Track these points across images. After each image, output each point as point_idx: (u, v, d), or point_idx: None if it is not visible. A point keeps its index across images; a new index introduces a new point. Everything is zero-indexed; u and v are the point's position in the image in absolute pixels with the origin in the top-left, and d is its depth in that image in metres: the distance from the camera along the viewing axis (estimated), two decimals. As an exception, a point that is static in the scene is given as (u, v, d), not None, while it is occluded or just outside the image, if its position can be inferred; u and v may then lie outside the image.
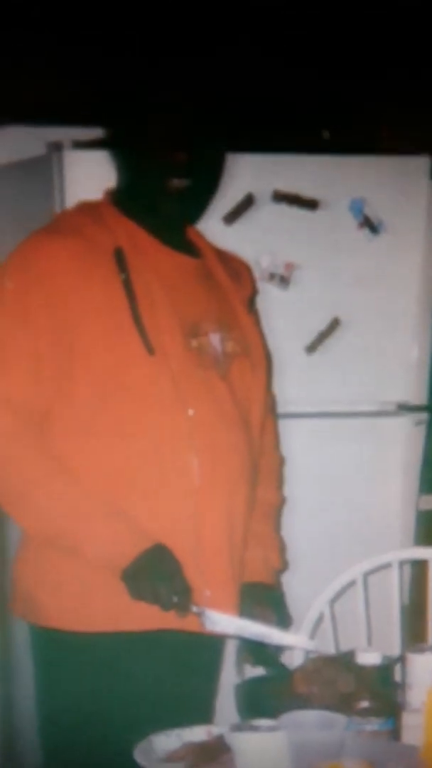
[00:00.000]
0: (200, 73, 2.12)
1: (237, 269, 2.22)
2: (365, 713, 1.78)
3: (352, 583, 2.38)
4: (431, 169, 3.01)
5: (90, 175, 2.25)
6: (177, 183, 2.02)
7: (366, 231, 2.95)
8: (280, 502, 2.23)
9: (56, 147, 2.79)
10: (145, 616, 1.92)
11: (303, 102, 3.40)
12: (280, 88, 3.37)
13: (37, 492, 1.96)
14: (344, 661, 1.88)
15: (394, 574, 2.41)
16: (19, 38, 3.12)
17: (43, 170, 2.83)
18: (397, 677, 1.94)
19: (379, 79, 3.44)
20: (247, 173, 2.79)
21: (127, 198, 2.07)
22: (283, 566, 2.18)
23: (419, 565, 2.81)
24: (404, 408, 3.00)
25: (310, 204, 2.90)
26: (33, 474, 1.96)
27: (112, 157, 2.09)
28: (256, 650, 1.99)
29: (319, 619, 2.34)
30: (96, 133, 2.23)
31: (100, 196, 2.12)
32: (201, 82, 2.10)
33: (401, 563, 2.43)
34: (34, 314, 1.96)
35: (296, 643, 2.04)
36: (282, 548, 2.18)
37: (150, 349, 1.97)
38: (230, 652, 2.11)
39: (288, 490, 2.28)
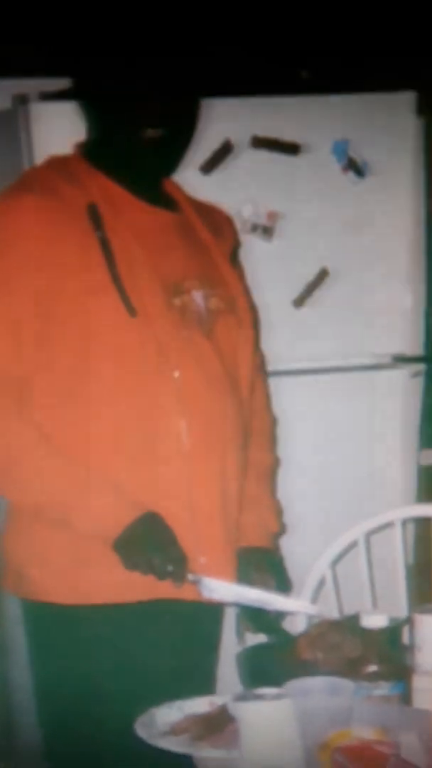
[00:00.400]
0: (171, 16, 2.11)
1: (217, 221, 2.22)
2: (373, 678, 1.79)
3: (353, 544, 2.40)
4: (417, 105, 3.00)
5: (59, 128, 2.25)
6: (151, 133, 2.02)
7: (351, 174, 2.95)
8: (274, 464, 2.25)
9: (22, 100, 2.78)
10: (140, 587, 1.94)
11: (279, 40, 3.38)
12: (254, 26, 3.35)
13: (21, 463, 1.97)
14: (349, 624, 1.90)
15: (397, 532, 2.42)
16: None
17: (8, 125, 2.82)
18: (405, 639, 1.98)
19: (358, 11, 3.42)
20: (223, 119, 2.78)
21: (99, 151, 2.07)
22: (281, 529, 2.20)
23: (423, 523, 2.84)
24: (400, 360, 3.02)
25: (291, 148, 2.90)
26: (16, 444, 1.97)
27: (81, 109, 2.08)
28: (256, 617, 2.02)
29: (321, 583, 2.36)
30: (63, 84, 2.22)
31: (70, 151, 2.11)
32: (172, 26, 2.09)
33: (404, 521, 2.45)
34: (7, 279, 1.97)
35: (298, 608, 2.07)
36: (279, 511, 2.20)
37: (131, 311, 1.98)
38: (230, 620, 2.14)
39: (282, 451, 2.30)
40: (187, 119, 2.08)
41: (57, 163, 2.11)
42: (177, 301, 2.04)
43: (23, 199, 2.01)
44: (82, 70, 2.09)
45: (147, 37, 2.04)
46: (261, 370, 2.25)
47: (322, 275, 2.93)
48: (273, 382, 2.32)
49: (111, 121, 2.04)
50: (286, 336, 2.86)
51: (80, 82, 2.10)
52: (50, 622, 2.03)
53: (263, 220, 2.88)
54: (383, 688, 1.79)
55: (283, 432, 2.32)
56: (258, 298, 2.28)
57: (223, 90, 2.66)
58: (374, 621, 1.86)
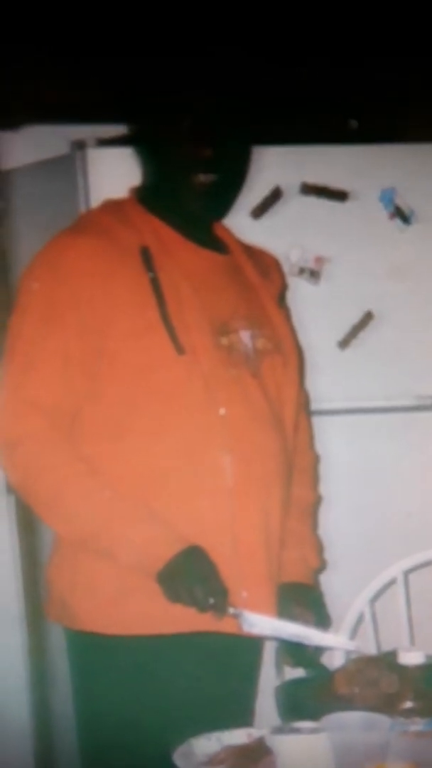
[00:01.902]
0: (224, 66, 2.13)
1: (266, 264, 2.23)
2: (409, 713, 1.78)
3: (392, 582, 2.39)
4: (463, 154, 3.00)
5: (114, 173, 2.27)
6: (203, 179, 2.04)
7: (397, 221, 2.95)
8: (317, 501, 2.24)
9: (79, 145, 2.81)
10: (181, 619, 1.94)
11: (329, 92, 3.40)
12: (305, 78, 3.38)
13: (68, 495, 1.98)
14: (387, 661, 1.89)
15: (435, 571, 2.41)
16: (41, 37, 3.14)
17: (67, 169, 2.85)
18: (441, 677, 1.95)
19: (405, 65, 3.44)
20: (274, 166, 2.80)
21: (153, 195, 2.09)
22: (321, 565, 2.19)
23: (461, 562, 2.81)
24: (442, 401, 3.00)
25: (339, 195, 2.90)
26: (64, 476, 1.98)
27: (137, 154, 2.11)
28: (295, 651, 2.01)
29: (360, 619, 2.35)
30: (119, 130, 2.25)
31: (125, 194, 2.13)
32: (225, 75, 2.10)
33: (443, 560, 2.44)
34: (62, 315, 1.98)
35: (336, 644, 2.06)
36: (319, 547, 2.19)
37: (179, 349, 1.99)
38: (269, 653, 2.13)
39: (324, 488, 2.29)
40: (239, 166, 2.10)
41: (112, 207, 2.13)
42: (224, 341, 2.04)
43: (78, 239, 2.03)
44: (138, 116, 2.11)
45: (201, 84, 2.06)
46: (305, 409, 2.24)
47: (367, 318, 2.92)
48: (316, 421, 2.32)
49: (164, 166, 2.07)
50: (331, 376, 2.85)
51: (136, 129, 2.12)
52: (93, 652, 2.03)
53: (310, 264, 2.88)
54: (419, 724, 1.78)
55: (325, 470, 2.31)
56: (304, 339, 2.28)
57: (275, 138, 2.67)
58: (411, 658, 1.86)
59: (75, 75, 3.23)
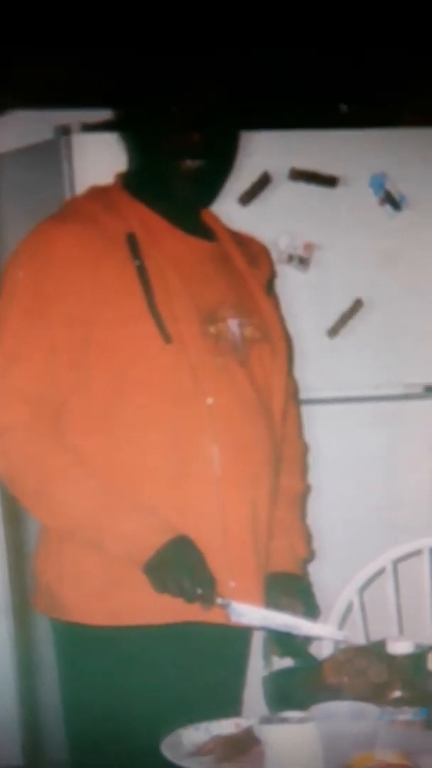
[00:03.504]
0: (211, 49, 2.13)
1: (254, 252, 2.24)
2: (398, 703, 1.80)
3: (381, 571, 2.41)
4: (455, 139, 3.01)
5: (100, 158, 2.27)
6: (190, 164, 2.04)
7: (388, 207, 2.96)
8: (305, 490, 2.25)
9: (64, 130, 2.81)
10: (169, 609, 1.95)
11: (318, 75, 3.41)
12: (294, 61, 3.38)
13: (55, 485, 1.99)
14: (375, 650, 1.91)
15: (424, 560, 2.43)
16: (25, 22, 3.14)
17: (51, 155, 2.85)
18: (430, 666, 1.97)
19: (397, 49, 3.44)
20: (262, 151, 2.80)
21: (139, 181, 2.09)
22: (310, 555, 2.20)
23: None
24: (431, 390, 3.02)
25: (329, 181, 2.91)
26: (50, 467, 1.99)
27: (122, 140, 2.11)
28: (283, 641, 2.02)
29: (348, 609, 2.37)
30: (105, 115, 2.25)
31: (111, 181, 2.14)
32: (212, 59, 2.11)
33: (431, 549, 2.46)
34: (47, 304, 1.99)
35: (325, 634, 2.07)
36: (308, 537, 2.21)
37: (166, 338, 1.99)
38: (257, 643, 2.14)
39: (313, 478, 2.30)
40: (227, 151, 2.10)
41: (97, 193, 2.13)
42: (212, 329, 2.05)
43: (63, 227, 2.04)
44: (123, 101, 2.11)
45: (187, 68, 2.06)
46: (294, 398, 2.26)
47: (357, 306, 2.93)
48: (305, 410, 2.33)
49: (151, 152, 2.07)
50: (320, 365, 2.86)
51: (121, 114, 2.12)
52: (80, 643, 2.04)
53: (299, 251, 2.89)
54: (407, 714, 1.79)
55: (314, 459, 2.33)
56: (293, 327, 2.29)
57: (263, 122, 2.67)
58: (400, 647, 1.87)
59: (60, 59, 3.22)
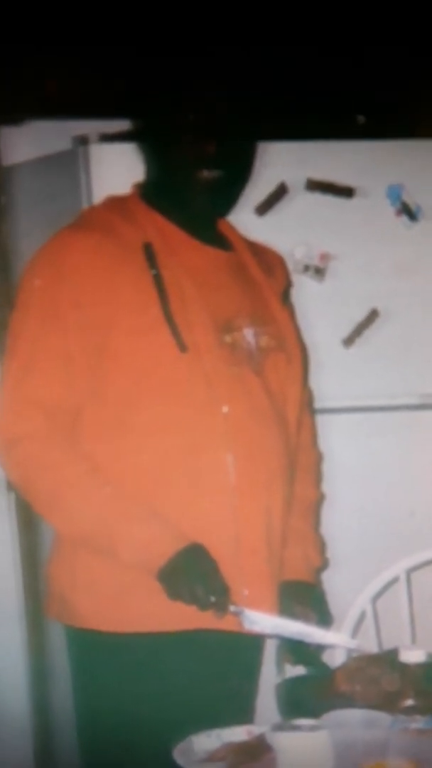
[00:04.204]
0: (229, 61, 2.14)
1: (270, 261, 2.24)
2: (410, 711, 1.80)
3: (394, 580, 2.41)
4: (471, 151, 3.01)
5: (117, 168, 2.28)
6: (207, 175, 2.05)
7: (404, 218, 2.96)
8: (319, 499, 2.26)
9: (82, 141, 2.82)
10: (182, 616, 1.96)
11: (336, 87, 3.41)
12: (311, 73, 3.39)
13: (69, 493, 2.00)
14: (388, 659, 1.91)
15: (438, 570, 2.44)
16: (42, 32, 3.15)
17: (69, 165, 2.86)
18: (443, 675, 1.98)
19: (413, 61, 3.45)
20: (279, 162, 2.79)
21: (156, 192, 2.10)
22: (323, 564, 2.21)
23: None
24: (447, 400, 3.02)
25: (346, 192, 2.91)
26: (65, 475, 2.00)
27: (140, 150, 2.12)
28: (296, 649, 2.03)
29: (361, 617, 2.37)
30: (122, 125, 2.26)
31: (128, 191, 2.15)
32: (229, 70, 2.12)
33: (445, 559, 2.46)
34: (63, 312, 2.00)
35: (337, 642, 2.07)
36: (322, 545, 2.21)
37: (182, 346, 2.00)
38: (270, 651, 2.15)
39: (327, 487, 2.31)
40: (244, 162, 2.11)
41: (115, 203, 2.14)
42: (228, 338, 2.06)
43: (81, 236, 2.05)
44: (140, 112, 2.13)
45: (206, 79, 2.07)
46: (309, 407, 2.26)
47: (372, 316, 2.93)
48: (320, 420, 2.33)
49: (168, 162, 2.08)
50: (335, 374, 2.86)
51: (138, 124, 2.13)
52: (93, 649, 2.05)
53: (315, 261, 2.89)
54: (419, 722, 1.79)
55: (328, 468, 2.33)
56: (308, 336, 2.29)
57: (280, 133, 2.68)
58: (412, 656, 1.87)
59: (78, 70, 3.24)
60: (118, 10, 3.18)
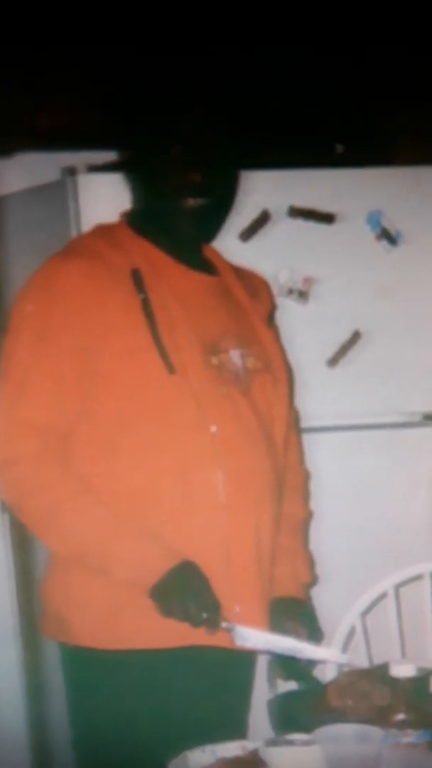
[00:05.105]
0: (212, 91, 2.14)
1: (255, 285, 2.24)
2: (402, 725, 1.78)
3: (383, 596, 2.40)
4: (448, 177, 3.02)
5: (105, 198, 2.28)
6: (192, 203, 2.05)
7: (384, 242, 2.97)
8: (307, 517, 2.25)
9: (70, 171, 2.83)
10: (175, 633, 1.94)
11: (315, 117, 3.42)
12: (291, 103, 3.40)
13: (63, 512, 1.98)
14: (378, 673, 1.89)
15: (426, 585, 2.42)
16: (30, 64, 3.16)
17: (58, 195, 2.87)
18: (433, 689, 1.96)
19: (392, 90, 3.46)
20: (262, 190, 2.82)
21: (143, 219, 2.10)
22: (313, 580, 2.20)
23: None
24: (430, 418, 3.01)
25: (327, 218, 2.92)
26: (59, 495, 1.99)
27: (127, 180, 2.12)
28: (287, 665, 2.01)
29: (351, 633, 2.36)
30: (109, 156, 2.26)
31: (116, 219, 2.15)
32: (212, 101, 2.12)
33: (432, 574, 2.45)
34: (55, 336, 1.99)
35: (328, 657, 2.06)
36: (311, 562, 2.20)
37: (170, 368, 1.99)
38: (262, 667, 2.13)
39: (315, 505, 2.29)
40: (227, 190, 2.11)
41: (103, 231, 2.14)
42: (215, 360, 2.05)
43: (71, 262, 2.04)
44: (127, 143, 2.13)
45: (191, 111, 2.07)
46: (295, 426, 2.25)
47: (355, 337, 2.94)
48: (306, 439, 2.32)
49: (154, 191, 2.08)
50: (320, 394, 2.86)
51: (125, 155, 2.14)
52: (87, 666, 2.03)
53: (299, 285, 2.90)
54: (411, 736, 1.77)
55: (315, 486, 2.32)
56: (293, 358, 2.29)
57: (262, 162, 2.69)
58: (403, 670, 1.86)
59: (66, 103, 3.25)
60: (104, 43, 3.19)
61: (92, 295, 2.00)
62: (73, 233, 2.73)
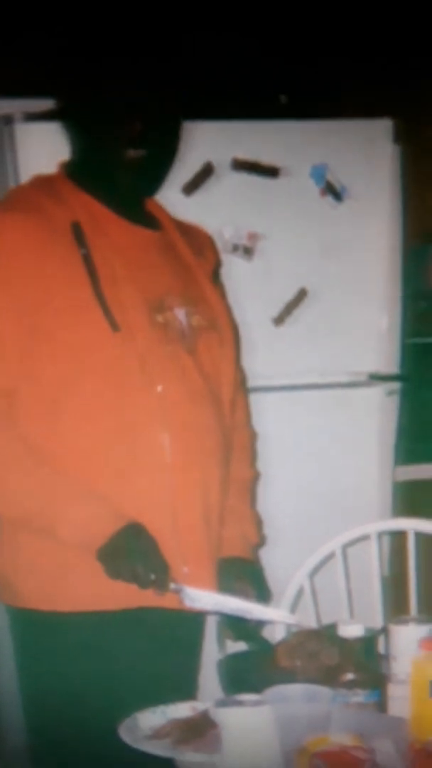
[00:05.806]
0: (154, 40, 2.13)
1: (199, 241, 2.24)
2: (350, 686, 1.81)
3: (331, 556, 2.43)
4: (394, 132, 3.03)
5: (43, 148, 2.25)
6: (133, 154, 2.03)
7: (329, 198, 2.97)
8: (254, 477, 2.27)
9: (6, 120, 2.80)
10: (123, 595, 1.96)
11: (260, 67, 3.42)
12: (235, 53, 3.39)
13: (7, 474, 1.98)
14: (327, 634, 1.92)
15: (373, 545, 2.45)
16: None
17: (-7, 145, 2.84)
18: (381, 649, 1.99)
19: (337, 41, 3.46)
20: (205, 142, 2.81)
21: (83, 171, 2.08)
22: (261, 541, 2.22)
23: (398, 536, 2.86)
24: (376, 378, 3.04)
25: (271, 171, 2.92)
26: (2, 456, 1.98)
27: (66, 130, 2.10)
28: (236, 625, 2.04)
29: (300, 593, 2.39)
30: (47, 104, 2.24)
31: (55, 170, 2.13)
32: (154, 49, 2.10)
33: (380, 534, 2.48)
34: None
35: (277, 618, 2.08)
36: (258, 523, 2.22)
37: (114, 326, 1.99)
38: (211, 628, 2.16)
39: (262, 465, 2.32)
40: (169, 141, 2.09)
41: (42, 182, 2.12)
42: (160, 318, 2.05)
43: (8, 217, 2.03)
44: (65, 90, 2.11)
45: (130, 58, 2.05)
46: (242, 386, 2.26)
47: (301, 295, 2.95)
48: (253, 399, 2.34)
49: (93, 142, 2.06)
50: (266, 353, 2.88)
51: (63, 103, 2.11)
52: (35, 629, 2.04)
53: (244, 241, 2.90)
54: (360, 696, 1.80)
55: (262, 447, 2.34)
56: (239, 316, 2.30)
57: (205, 113, 2.68)
58: (351, 631, 1.88)
59: (1, 49, 3.21)
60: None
61: (31, 250, 1.98)
62: (11, 184, 2.71)
